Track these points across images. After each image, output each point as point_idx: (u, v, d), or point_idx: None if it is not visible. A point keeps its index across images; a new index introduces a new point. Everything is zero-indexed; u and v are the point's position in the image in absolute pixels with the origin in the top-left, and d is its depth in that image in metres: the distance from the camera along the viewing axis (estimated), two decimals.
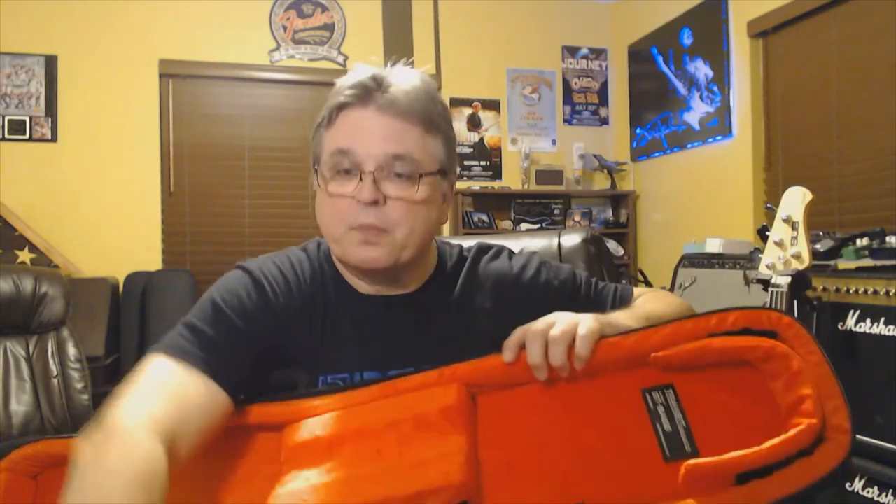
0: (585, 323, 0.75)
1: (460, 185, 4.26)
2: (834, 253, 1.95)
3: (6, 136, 3.68)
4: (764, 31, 3.33)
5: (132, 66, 3.86)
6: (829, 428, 0.68)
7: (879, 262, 1.85)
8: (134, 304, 3.57)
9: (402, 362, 0.88)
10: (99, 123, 3.80)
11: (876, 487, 1.72)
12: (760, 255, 1.73)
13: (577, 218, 4.41)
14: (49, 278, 2.07)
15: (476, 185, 4.40)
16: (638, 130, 4.41)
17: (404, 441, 0.73)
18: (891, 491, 1.68)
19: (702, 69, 3.77)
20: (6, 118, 3.69)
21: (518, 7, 4.51)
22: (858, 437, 1.76)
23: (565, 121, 4.63)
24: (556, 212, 4.48)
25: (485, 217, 4.30)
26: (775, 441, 0.66)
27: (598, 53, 4.70)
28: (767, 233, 1.71)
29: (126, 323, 3.54)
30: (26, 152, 3.70)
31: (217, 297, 0.87)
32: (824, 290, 1.87)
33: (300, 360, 0.88)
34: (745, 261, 2.38)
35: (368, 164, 0.85)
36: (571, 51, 4.66)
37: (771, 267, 1.67)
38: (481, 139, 4.49)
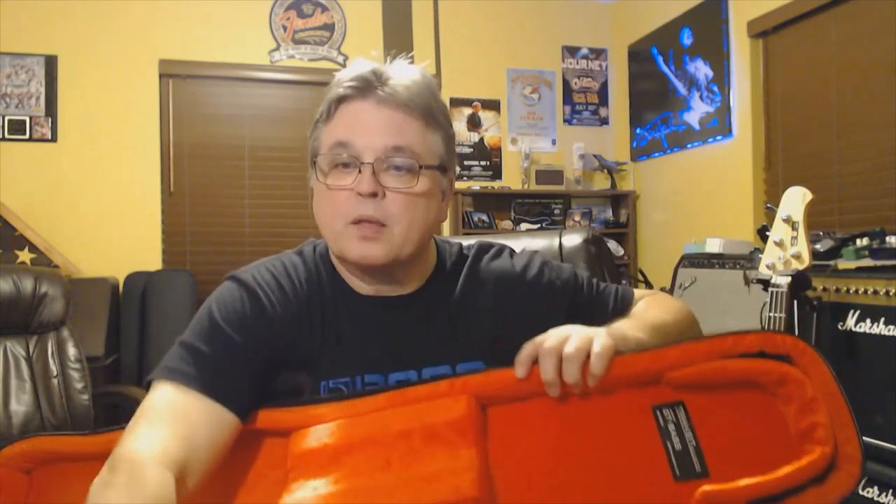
0: (600, 340, 0.73)
1: (460, 185, 4.26)
2: (834, 253, 1.95)
3: (6, 136, 3.68)
4: (764, 31, 3.33)
5: (132, 66, 3.86)
6: (840, 457, 0.68)
7: (879, 262, 1.85)
8: (134, 304, 3.57)
9: (403, 364, 0.88)
10: (99, 123, 3.80)
11: (876, 487, 1.72)
12: (760, 255, 1.73)
13: (577, 218, 4.41)
14: (49, 278, 2.07)
15: (476, 185, 4.40)
16: (638, 130, 4.41)
17: (413, 452, 0.72)
18: (891, 491, 1.68)
19: (702, 69, 3.77)
20: (6, 118, 3.69)
21: (518, 7, 4.51)
22: None
23: (565, 121, 4.63)
24: (556, 212, 4.48)
25: (485, 217, 4.30)
26: (789, 469, 0.67)
27: (598, 53, 4.70)
28: (767, 233, 1.71)
29: (126, 323, 3.54)
30: (26, 152, 3.70)
31: (213, 313, 0.86)
32: (824, 290, 1.87)
33: (302, 364, 0.87)
34: (745, 261, 2.38)
35: (367, 156, 0.84)
36: (571, 51, 4.66)
37: (771, 267, 1.67)
38: (481, 139, 4.49)
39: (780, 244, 1.66)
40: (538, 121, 4.58)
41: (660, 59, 4.14)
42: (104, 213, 3.79)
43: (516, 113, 4.54)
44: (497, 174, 4.52)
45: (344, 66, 4.14)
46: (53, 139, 3.75)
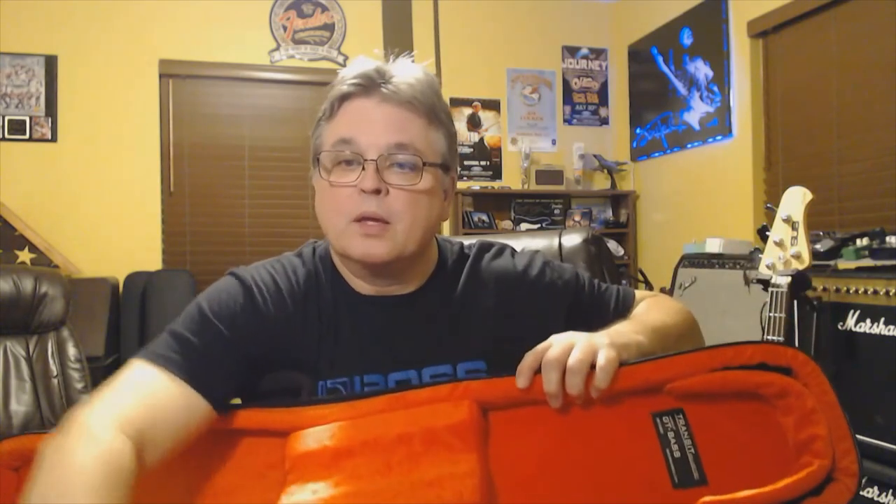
0: (604, 352, 0.72)
1: (460, 185, 4.26)
2: (834, 253, 1.95)
3: (6, 136, 3.68)
4: (764, 31, 3.33)
5: (132, 66, 3.86)
6: (838, 469, 0.69)
7: (879, 262, 1.85)
8: (134, 304, 3.57)
9: (403, 364, 0.88)
10: (99, 123, 3.80)
11: (876, 487, 1.72)
12: (760, 255, 1.73)
13: (577, 218, 4.41)
14: (49, 278, 2.07)
15: (476, 185, 4.40)
16: (638, 130, 4.41)
17: (414, 457, 0.72)
18: (891, 491, 1.68)
19: (702, 69, 3.77)
20: (6, 118, 3.69)
21: (518, 7, 4.51)
22: (858, 437, 1.77)
23: (565, 121, 4.63)
24: (556, 212, 4.48)
25: (485, 217, 4.30)
26: (787, 481, 0.68)
27: (598, 53, 4.70)
28: (767, 233, 1.71)
29: (126, 323, 3.54)
30: (26, 152, 3.70)
31: (204, 304, 0.86)
32: (824, 290, 1.87)
33: (298, 365, 0.87)
34: (745, 261, 2.38)
35: (370, 153, 0.84)
36: (571, 51, 4.66)
37: (771, 267, 1.67)
38: (481, 139, 4.49)
39: (780, 244, 1.66)
40: (538, 121, 4.58)
41: (660, 59, 4.14)
42: (104, 213, 3.79)
43: (516, 113, 4.54)
44: (497, 174, 4.52)
45: (344, 66, 4.14)
46: (53, 139, 3.75)
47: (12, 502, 0.78)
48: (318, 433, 0.75)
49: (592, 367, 0.72)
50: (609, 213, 4.62)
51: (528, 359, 0.75)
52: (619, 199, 4.58)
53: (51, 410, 1.95)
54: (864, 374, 1.76)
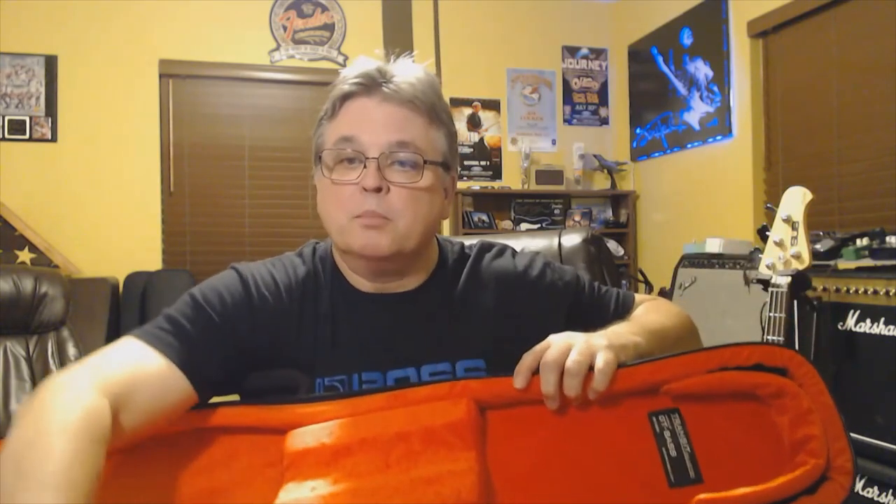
0: (602, 354, 0.73)
1: (460, 185, 4.25)
2: (834, 253, 1.95)
3: (6, 136, 3.68)
4: (764, 31, 3.33)
5: (132, 66, 3.86)
6: (832, 468, 0.70)
7: (879, 262, 1.85)
8: (134, 304, 3.57)
9: (402, 362, 0.88)
10: (99, 123, 3.80)
11: (876, 487, 1.72)
12: (760, 255, 1.73)
13: (577, 218, 4.41)
14: (49, 278, 2.07)
15: (476, 185, 4.40)
16: (638, 130, 4.41)
17: (413, 455, 0.72)
18: (891, 491, 1.68)
19: (702, 69, 3.77)
20: (6, 118, 3.69)
21: (518, 7, 4.51)
22: (858, 437, 1.77)
23: (565, 121, 4.63)
24: (556, 212, 4.48)
25: (485, 217, 4.30)
26: (783, 479, 0.69)
27: (598, 53, 4.70)
28: (767, 233, 1.71)
29: (126, 323, 3.54)
30: (26, 152, 3.70)
31: (198, 293, 0.87)
32: (824, 290, 1.87)
33: (296, 361, 0.87)
34: (745, 261, 2.38)
35: (372, 151, 0.85)
36: (571, 51, 4.66)
37: (771, 267, 1.67)
38: (481, 139, 4.49)
39: (780, 244, 1.66)
40: (538, 121, 4.58)
41: (660, 59, 4.14)
42: (104, 213, 3.79)
43: (516, 113, 4.54)
44: (497, 174, 4.52)
45: (344, 66, 4.15)
46: (53, 139, 3.75)
47: None
48: (316, 431, 0.75)
49: (590, 368, 0.73)
50: (609, 213, 4.62)
51: (527, 359, 0.75)
52: (619, 199, 4.58)
53: None
54: (864, 374, 1.76)
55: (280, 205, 4.10)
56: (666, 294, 2.99)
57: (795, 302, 1.69)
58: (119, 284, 3.62)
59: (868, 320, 1.76)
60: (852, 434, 1.82)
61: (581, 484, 0.74)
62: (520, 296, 0.95)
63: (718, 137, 3.65)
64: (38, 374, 1.99)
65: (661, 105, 4.13)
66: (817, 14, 3.04)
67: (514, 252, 1.02)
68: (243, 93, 4.08)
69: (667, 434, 0.74)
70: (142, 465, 0.77)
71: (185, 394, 0.79)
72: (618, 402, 0.75)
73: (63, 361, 2.02)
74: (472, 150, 4.46)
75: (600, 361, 0.72)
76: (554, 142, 4.61)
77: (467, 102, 4.45)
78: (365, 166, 0.84)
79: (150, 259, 3.83)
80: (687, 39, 3.88)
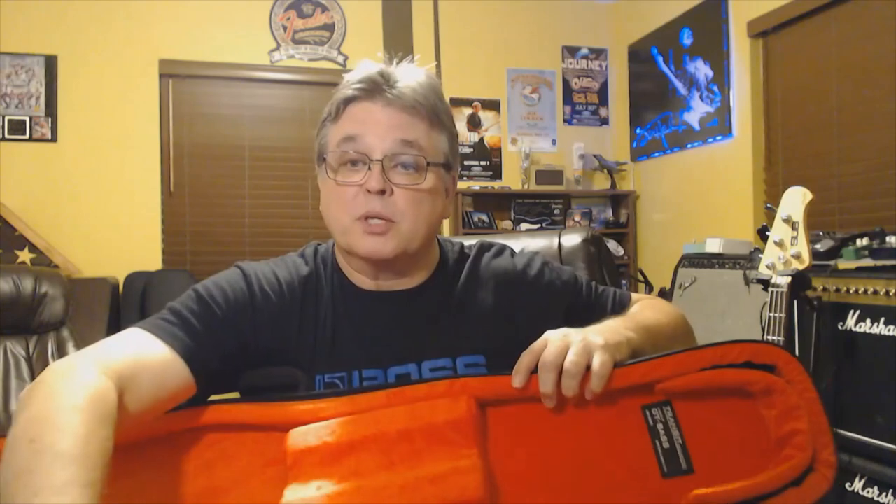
0: (598, 356, 0.74)
1: (460, 185, 4.25)
2: (834, 253, 1.95)
3: (6, 136, 3.68)
4: (764, 31, 3.33)
5: (132, 66, 3.86)
6: (817, 461, 0.75)
7: (879, 262, 1.85)
8: (134, 304, 3.57)
9: (402, 358, 0.89)
10: (99, 123, 3.80)
11: (876, 487, 1.72)
12: (760, 255, 1.73)
13: (577, 218, 4.41)
14: (49, 278, 2.07)
15: (476, 185, 4.40)
16: (638, 130, 4.41)
17: (416, 453, 0.73)
18: (891, 491, 1.68)
19: (702, 69, 3.77)
20: (6, 118, 3.69)
21: (518, 7, 4.51)
22: (858, 437, 1.77)
23: (565, 121, 4.64)
24: (556, 212, 4.48)
25: (485, 217, 4.30)
26: (772, 472, 0.74)
27: (598, 53, 4.70)
28: (767, 233, 1.71)
29: (126, 323, 3.53)
30: (26, 152, 3.70)
31: (202, 288, 0.88)
32: (824, 290, 1.87)
33: (296, 358, 0.88)
34: (745, 261, 2.38)
35: (376, 153, 0.86)
36: (571, 51, 4.66)
37: (771, 267, 1.67)
38: (481, 139, 4.49)
39: (780, 244, 1.66)
40: (538, 121, 4.58)
41: (660, 59, 4.14)
42: (104, 213, 3.79)
43: (516, 113, 4.54)
44: (497, 174, 4.52)
45: (344, 66, 4.15)
46: (53, 139, 3.75)
47: None
48: (318, 429, 0.75)
49: (588, 367, 0.74)
50: (609, 213, 4.62)
51: (525, 359, 0.76)
52: (619, 199, 4.58)
53: None
54: (864, 374, 1.76)
55: (280, 205, 4.10)
56: (666, 294, 2.98)
57: (795, 302, 1.70)
58: (119, 284, 3.62)
59: (868, 320, 1.76)
60: (852, 434, 1.82)
61: (577, 476, 0.76)
62: (519, 294, 0.97)
63: (718, 137, 3.65)
64: (38, 374, 1.99)
65: (661, 105, 4.13)
66: (817, 14, 3.04)
67: (512, 252, 1.04)
68: (243, 93, 4.08)
69: (660, 427, 0.77)
70: (140, 465, 0.77)
71: (186, 383, 0.80)
72: (613, 397, 0.76)
73: None
74: (472, 150, 4.46)
75: (596, 364, 0.73)
76: (554, 142, 4.61)
77: (467, 102, 4.45)
78: (369, 168, 0.86)
79: (150, 259, 3.83)
80: (687, 39, 3.88)
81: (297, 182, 4.10)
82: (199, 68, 3.97)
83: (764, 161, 3.40)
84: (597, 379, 0.73)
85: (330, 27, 4.22)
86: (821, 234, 2.06)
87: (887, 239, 1.89)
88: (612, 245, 4.25)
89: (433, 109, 0.89)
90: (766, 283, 1.67)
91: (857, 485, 1.76)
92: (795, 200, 1.64)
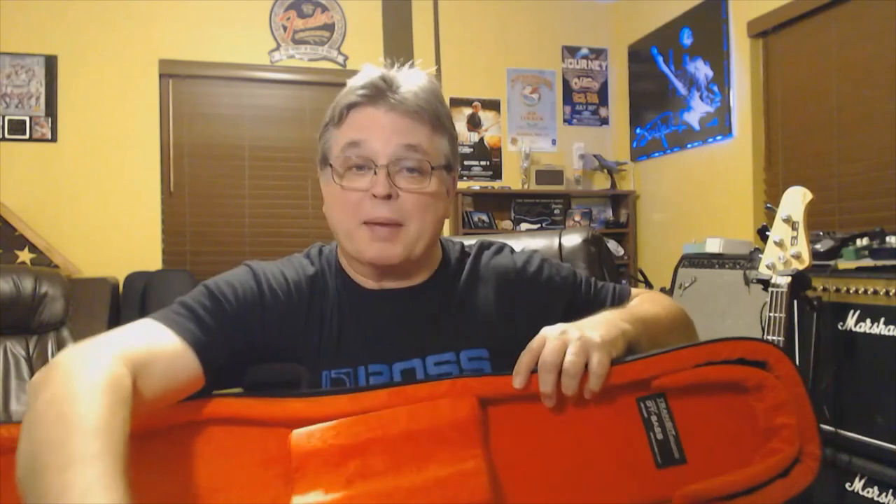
0: (596, 356, 0.75)
1: (460, 185, 4.25)
2: (834, 253, 1.95)
3: (6, 136, 3.68)
4: (764, 31, 3.33)
5: (132, 66, 3.86)
6: (804, 453, 0.78)
7: (879, 262, 1.85)
8: (134, 304, 3.57)
9: (406, 354, 0.91)
10: (99, 123, 3.80)
11: (876, 487, 1.72)
12: (760, 255, 1.73)
13: (577, 218, 4.41)
14: (49, 278, 2.07)
15: (476, 185, 4.40)
16: (638, 130, 4.41)
17: (422, 455, 0.74)
18: (891, 491, 1.68)
19: (702, 69, 3.77)
20: (6, 118, 3.69)
21: (518, 7, 4.51)
22: (858, 437, 1.77)
23: (565, 121, 4.64)
24: (556, 212, 4.48)
25: (485, 217, 4.30)
26: (761, 465, 0.77)
27: (598, 53, 4.70)
28: (767, 233, 1.71)
29: (126, 323, 3.53)
30: (26, 152, 3.70)
31: (213, 284, 0.90)
32: (824, 290, 1.87)
33: (302, 356, 0.90)
34: (745, 261, 2.38)
35: (381, 158, 0.88)
36: (571, 51, 4.66)
37: (771, 267, 1.67)
38: (481, 139, 4.49)
39: (780, 244, 1.66)
40: (538, 121, 4.58)
41: (660, 59, 4.14)
42: (104, 213, 3.79)
43: (516, 113, 4.54)
44: (497, 174, 4.52)
45: (344, 65, 4.15)
46: (53, 139, 3.75)
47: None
48: (322, 431, 0.75)
49: (586, 365, 0.76)
50: (609, 213, 4.62)
51: (524, 359, 0.77)
52: (619, 199, 4.58)
53: None
54: (864, 374, 1.76)
55: (280, 205, 4.10)
56: (666, 294, 2.98)
57: (795, 302, 1.69)
58: (119, 284, 3.62)
59: (868, 320, 1.76)
60: (852, 434, 1.83)
61: (576, 470, 0.78)
62: (518, 290, 0.99)
63: (718, 137, 3.65)
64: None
65: (661, 105, 4.13)
66: (817, 14, 3.04)
67: (512, 249, 1.06)
68: (243, 93, 4.08)
69: (654, 419, 0.79)
70: (139, 462, 0.77)
71: (196, 375, 0.81)
72: (609, 392, 0.78)
73: None
74: (472, 150, 4.46)
75: (594, 363, 0.75)
76: (554, 142, 4.61)
77: (467, 102, 4.45)
78: (374, 173, 0.87)
79: (150, 259, 3.83)
80: (687, 39, 3.89)
81: (297, 182, 4.10)
82: (199, 68, 3.97)
83: (764, 161, 3.40)
84: (595, 378, 0.74)
85: (330, 27, 4.22)
86: (821, 234, 2.06)
87: (887, 239, 1.89)
88: (612, 245, 4.25)
89: (435, 113, 0.91)
90: (766, 283, 1.67)
91: (857, 485, 1.76)
92: (795, 200, 1.64)
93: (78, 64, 3.78)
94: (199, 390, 0.82)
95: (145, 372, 0.74)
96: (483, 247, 1.04)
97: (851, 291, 1.81)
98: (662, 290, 3.40)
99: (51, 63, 3.75)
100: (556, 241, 1.36)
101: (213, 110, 4.04)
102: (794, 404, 0.78)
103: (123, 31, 3.85)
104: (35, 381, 0.68)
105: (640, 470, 0.78)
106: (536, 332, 0.79)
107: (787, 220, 1.64)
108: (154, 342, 0.79)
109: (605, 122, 4.71)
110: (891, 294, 1.71)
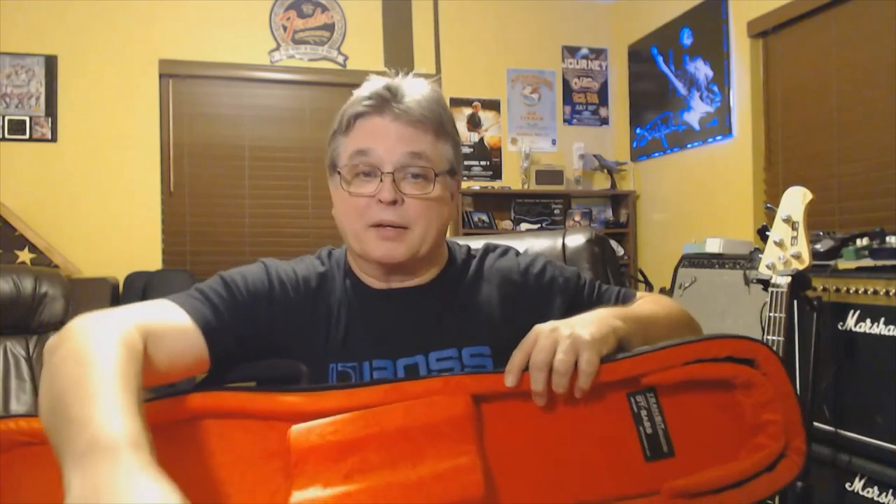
0: (585, 354, 0.76)
1: None
2: (834, 253, 1.95)
3: (6, 136, 3.68)
4: (764, 31, 3.33)
5: (132, 66, 3.86)
6: (789, 448, 0.80)
7: (879, 262, 1.85)
8: None
9: (410, 350, 0.94)
10: (99, 123, 3.80)
11: (876, 487, 1.72)
12: (760, 255, 1.73)
13: (577, 218, 4.41)
14: (49, 278, 2.08)
15: (476, 185, 4.40)
16: (638, 130, 4.41)
17: (418, 451, 0.75)
18: (891, 491, 1.68)
19: (702, 69, 3.77)
20: (6, 118, 3.69)
21: (518, 7, 4.51)
22: (858, 437, 1.77)
23: (565, 121, 4.64)
24: (556, 212, 4.49)
25: (485, 217, 4.30)
26: (747, 461, 0.79)
27: (598, 53, 4.71)
28: (767, 233, 1.71)
29: None
30: (26, 152, 3.70)
31: (227, 275, 0.95)
32: (824, 290, 1.87)
33: (307, 349, 0.93)
34: (745, 261, 2.38)
35: (387, 165, 0.92)
36: (571, 51, 4.66)
37: (771, 267, 1.67)
38: (481, 139, 4.49)
39: (780, 244, 1.66)
40: (538, 121, 4.58)
41: (660, 59, 4.14)
42: (104, 213, 3.79)
43: (516, 113, 4.54)
44: (497, 174, 4.52)
45: (344, 65, 4.15)
46: (53, 139, 3.75)
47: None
48: (321, 427, 0.77)
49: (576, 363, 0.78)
50: (609, 213, 4.63)
51: (516, 358, 0.79)
52: (619, 199, 4.59)
53: None
54: (864, 374, 1.76)
55: (280, 205, 4.10)
56: (666, 294, 2.99)
57: (795, 302, 1.69)
58: (119, 284, 3.62)
59: (868, 320, 1.76)
60: (852, 434, 1.82)
61: (566, 462, 0.80)
62: (521, 291, 1.02)
63: (718, 137, 3.65)
64: (38, 373, 1.99)
65: (661, 105, 4.14)
66: (817, 14, 3.04)
67: (517, 252, 1.09)
68: (243, 93, 4.08)
69: (643, 413, 0.81)
70: None
71: (201, 356, 0.86)
72: (600, 388, 0.80)
73: None
74: (471, 150, 4.46)
75: (583, 362, 0.76)
76: (554, 142, 4.61)
77: (467, 102, 4.45)
78: (381, 180, 0.92)
79: (150, 259, 3.83)
80: (687, 39, 3.89)
81: (297, 182, 4.10)
82: (199, 68, 3.97)
83: (764, 161, 3.40)
84: (584, 377, 0.76)
85: (330, 27, 4.22)
86: (821, 234, 2.06)
87: (887, 239, 1.89)
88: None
89: (438, 121, 0.95)
90: (766, 283, 1.67)
91: (857, 485, 1.76)
92: (795, 200, 1.64)
93: (78, 64, 3.78)
94: (208, 377, 0.87)
95: (154, 341, 0.79)
96: (488, 249, 1.08)
97: (851, 291, 1.81)
98: (662, 290, 3.40)
99: (51, 63, 3.75)
100: (559, 242, 1.36)
101: (213, 110, 4.04)
102: (781, 401, 0.80)
103: (123, 31, 3.85)
104: (50, 343, 0.73)
105: (629, 463, 0.80)
106: None
107: (787, 220, 1.64)
108: (165, 318, 0.84)
109: (605, 122, 4.71)
110: (891, 294, 1.71)
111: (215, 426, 0.80)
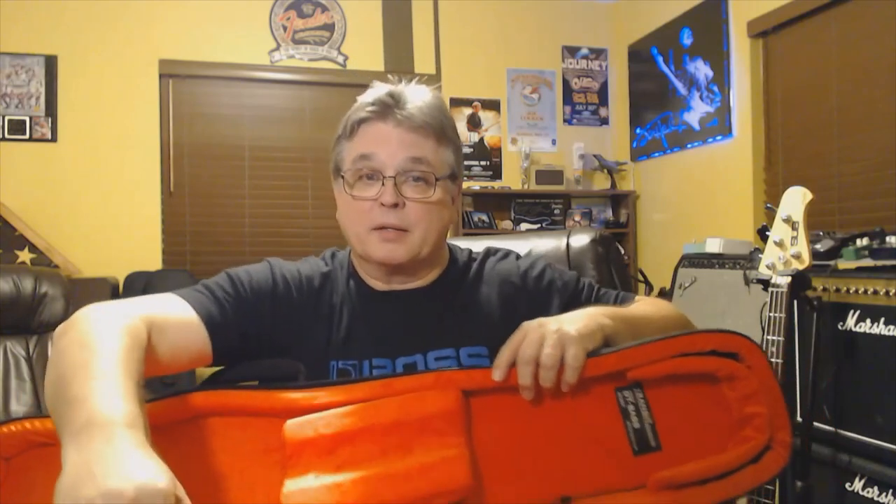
0: (572, 349, 0.78)
1: None
2: (834, 253, 1.95)
3: (6, 136, 3.68)
4: (764, 31, 3.33)
5: (132, 66, 3.86)
6: (774, 441, 0.81)
7: (879, 262, 1.85)
8: None
9: (409, 350, 0.96)
10: (99, 123, 3.80)
11: (876, 487, 1.72)
12: (760, 255, 1.73)
13: (577, 218, 4.41)
14: (49, 278, 2.08)
15: (476, 185, 4.40)
16: (638, 130, 4.41)
17: (408, 443, 0.77)
18: (891, 491, 1.68)
19: (702, 69, 3.77)
20: (6, 118, 3.69)
21: (518, 7, 4.51)
22: (858, 437, 1.77)
23: (565, 121, 4.64)
24: (556, 212, 4.49)
25: (485, 217, 4.30)
26: (733, 453, 0.81)
27: (598, 53, 4.71)
28: (767, 233, 1.71)
29: None
30: (26, 152, 3.70)
31: (233, 272, 0.98)
32: (824, 290, 1.87)
33: (309, 347, 0.95)
34: (745, 261, 2.38)
35: (389, 170, 0.95)
36: (571, 51, 4.66)
37: (771, 267, 1.67)
38: (481, 139, 4.49)
39: (780, 244, 1.66)
40: (538, 121, 4.58)
41: (660, 59, 4.14)
42: (104, 213, 3.79)
43: (516, 113, 4.54)
44: (497, 174, 4.52)
45: (344, 66, 4.15)
46: (53, 139, 3.75)
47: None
48: (314, 421, 0.78)
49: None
50: (609, 213, 4.63)
51: (504, 354, 0.80)
52: (619, 199, 4.59)
53: None
54: (864, 374, 1.76)
55: (280, 205, 4.10)
56: (666, 294, 2.99)
57: (795, 302, 1.70)
58: (119, 284, 3.62)
59: (868, 320, 1.76)
60: (852, 434, 1.82)
61: (557, 459, 0.81)
62: (520, 292, 1.03)
63: (718, 137, 3.65)
64: (38, 374, 1.99)
65: (661, 105, 4.14)
66: (817, 14, 3.04)
67: (518, 255, 1.11)
68: (243, 93, 4.08)
69: (631, 408, 0.82)
70: None
71: (204, 349, 0.89)
72: (587, 383, 0.81)
73: None
74: (472, 150, 4.46)
75: (569, 356, 0.77)
76: (554, 142, 4.61)
77: (467, 102, 4.45)
78: (383, 184, 0.94)
79: (150, 259, 3.83)
80: (687, 39, 3.89)
81: (297, 182, 4.10)
82: (199, 68, 3.97)
83: (764, 161, 3.40)
84: (570, 371, 0.77)
85: (330, 27, 4.22)
86: (821, 234, 2.06)
87: (887, 239, 1.89)
88: None
89: (440, 127, 0.97)
90: (766, 283, 1.67)
91: (857, 485, 1.76)
92: (795, 200, 1.64)
93: (78, 64, 3.78)
94: (211, 375, 0.89)
95: (158, 332, 0.81)
96: (489, 252, 1.10)
97: (851, 291, 1.81)
98: (662, 290, 3.41)
99: (51, 63, 3.75)
100: (563, 242, 1.36)
101: (213, 110, 4.04)
102: (766, 394, 0.81)
103: (123, 31, 3.85)
104: (58, 331, 0.76)
105: (617, 457, 0.81)
106: None
107: (787, 220, 1.64)
108: (170, 311, 0.87)
109: (605, 122, 4.71)
110: (891, 294, 1.71)
111: (216, 424, 0.81)
